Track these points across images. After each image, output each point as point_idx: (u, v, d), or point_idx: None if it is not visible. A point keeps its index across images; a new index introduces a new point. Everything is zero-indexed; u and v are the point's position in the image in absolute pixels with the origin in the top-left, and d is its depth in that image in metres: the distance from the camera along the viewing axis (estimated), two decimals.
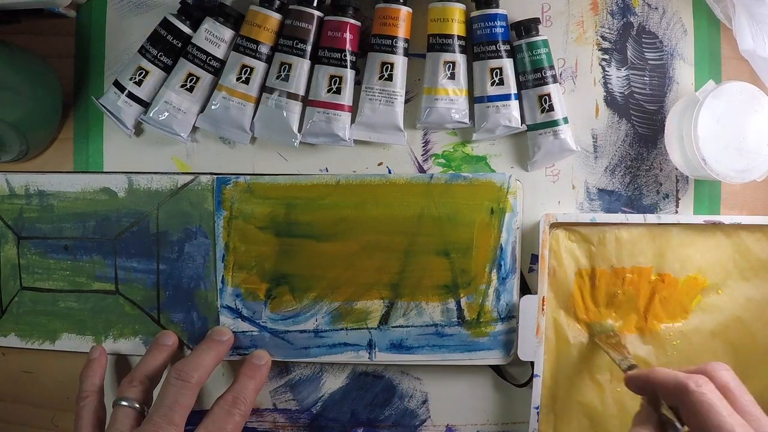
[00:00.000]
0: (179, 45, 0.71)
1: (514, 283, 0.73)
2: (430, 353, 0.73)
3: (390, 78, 0.70)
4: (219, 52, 0.71)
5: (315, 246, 0.73)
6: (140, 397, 0.68)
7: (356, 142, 0.73)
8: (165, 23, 0.71)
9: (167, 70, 0.72)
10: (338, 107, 0.70)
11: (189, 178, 0.74)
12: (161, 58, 0.71)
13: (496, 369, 0.75)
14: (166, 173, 0.74)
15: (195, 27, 0.71)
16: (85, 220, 0.75)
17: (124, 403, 0.67)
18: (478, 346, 0.73)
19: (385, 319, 0.73)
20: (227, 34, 0.71)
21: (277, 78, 0.70)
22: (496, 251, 0.72)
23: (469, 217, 0.72)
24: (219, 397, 0.69)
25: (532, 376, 0.71)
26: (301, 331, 0.74)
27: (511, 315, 0.73)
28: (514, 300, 0.73)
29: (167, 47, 0.71)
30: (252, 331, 0.74)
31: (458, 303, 0.73)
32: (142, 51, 0.71)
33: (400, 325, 0.73)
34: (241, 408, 0.68)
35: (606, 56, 0.74)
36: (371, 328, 0.73)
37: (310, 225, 0.73)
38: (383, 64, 0.70)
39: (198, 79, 0.71)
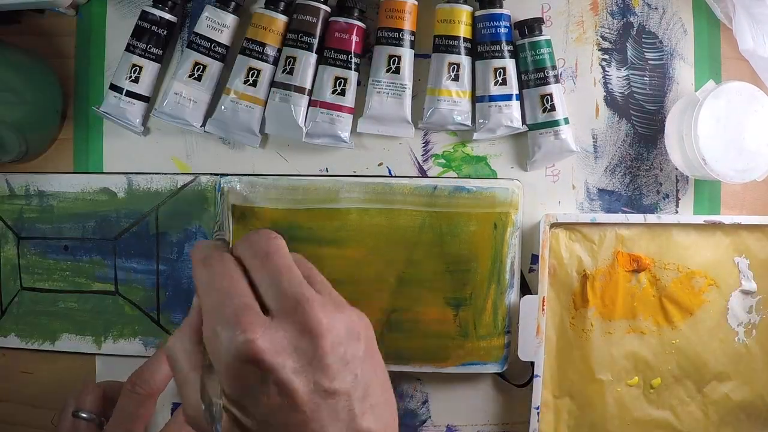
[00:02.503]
0: (164, 33, 0.71)
1: (513, 296, 0.73)
2: (427, 366, 0.73)
3: (397, 71, 0.70)
4: (223, 38, 0.71)
5: (315, 250, 0.73)
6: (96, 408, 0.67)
7: (356, 142, 0.73)
8: (144, 15, 0.71)
9: (159, 60, 0.72)
10: (342, 109, 0.70)
11: (189, 178, 0.74)
12: (151, 50, 0.71)
13: None
14: (166, 173, 0.74)
15: (174, 11, 0.71)
16: (85, 221, 0.75)
17: (83, 414, 0.66)
18: (477, 359, 0.73)
19: (382, 330, 0.73)
20: (229, 19, 0.71)
21: (283, 72, 0.70)
22: (497, 265, 0.72)
23: (472, 230, 0.72)
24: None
25: (532, 376, 0.71)
26: None
27: (509, 329, 0.73)
28: (513, 313, 0.73)
29: (153, 38, 0.71)
30: None
31: (457, 315, 0.73)
32: (130, 48, 0.71)
33: (398, 336, 0.73)
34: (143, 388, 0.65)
35: (606, 56, 0.74)
36: None
37: (311, 229, 0.73)
38: (390, 57, 0.70)
39: (205, 67, 0.71)
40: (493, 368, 0.73)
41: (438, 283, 0.73)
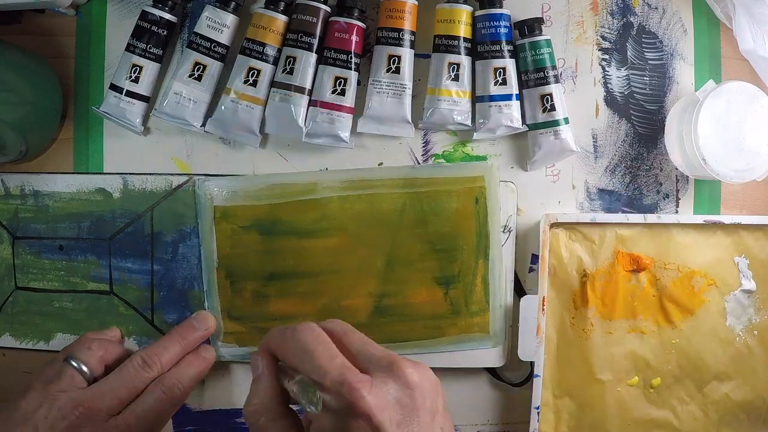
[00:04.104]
0: (165, 33, 0.71)
1: (504, 272, 0.73)
2: (422, 347, 0.73)
3: (398, 71, 0.70)
4: (223, 38, 0.71)
5: (298, 243, 0.73)
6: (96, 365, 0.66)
7: (357, 142, 0.73)
8: (144, 15, 0.71)
9: (159, 60, 0.72)
10: (342, 108, 0.70)
11: (183, 179, 0.74)
12: (151, 50, 0.71)
13: (491, 369, 0.75)
14: (161, 174, 0.74)
15: (174, 11, 0.71)
16: (80, 221, 0.75)
17: (73, 363, 0.64)
18: (471, 337, 0.73)
19: (373, 315, 0.73)
20: (229, 18, 0.70)
21: (283, 72, 0.70)
22: (483, 240, 0.72)
23: (453, 207, 0.72)
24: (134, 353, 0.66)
25: (532, 376, 0.71)
26: None
27: (501, 303, 0.73)
28: (503, 287, 0.73)
29: (153, 38, 0.71)
30: (240, 331, 0.74)
31: (447, 294, 0.73)
32: (130, 48, 0.71)
33: (389, 320, 0.73)
34: (151, 373, 0.65)
35: (606, 56, 0.74)
36: (360, 324, 0.73)
37: (293, 222, 0.73)
38: (390, 57, 0.70)
39: (205, 67, 0.71)
40: (487, 344, 0.73)
41: (425, 264, 0.73)
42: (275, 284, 0.73)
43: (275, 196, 0.73)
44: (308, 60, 0.70)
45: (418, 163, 0.74)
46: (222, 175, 0.74)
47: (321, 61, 0.71)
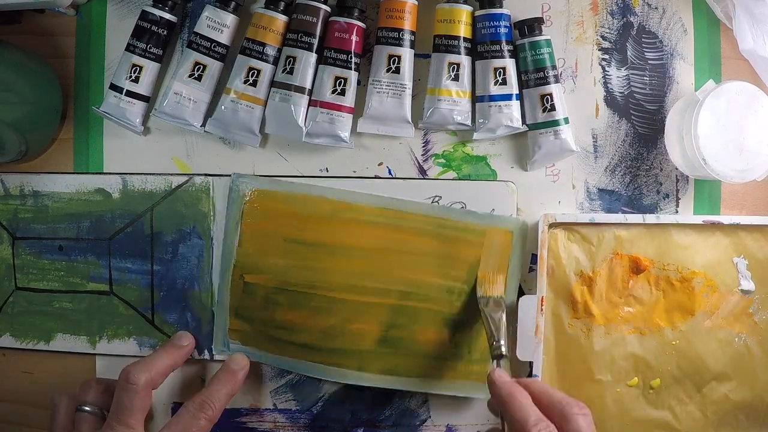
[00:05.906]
0: (165, 33, 0.71)
1: (511, 327, 0.72)
2: (417, 385, 0.74)
3: (397, 71, 0.70)
4: (223, 38, 0.71)
5: (320, 257, 0.73)
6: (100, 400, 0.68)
7: (356, 142, 0.73)
8: (144, 15, 0.71)
9: (159, 60, 0.72)
10: (342, 108, 0.70)
11: (183, 179, 0.74)
12: (151, 50, 0.71)
13: None
14: (166, 174, 0.74)
15: (174, 11, 0.71)
16: (80, 221, 0.75)
17: (87, 408, 0.67)
18: (467, 384, 0.74)
19: (378, 343, 0.73)
20: (229, 18, 0.70)
21: (283, 72, 0.70)
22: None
23: (477, 255, 0.72)
24: (189, 399, 0.68)
25: (531, 376, 0.71)
26: (293, 343, 0.73)
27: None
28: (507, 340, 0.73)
29: (154, 38, 0.71)
30: (245, 331, 0.74)
31: (453, 337, 0.73)
32: (130, 48, 0.71)
33: (392, 351, 0.73)
34: (208, 412, 0.66)
35: (606, 56, 0.74)
36: (363, 351, 0.73)
37: (319, 236, 0.73)
38: (390, 57, 0.70)
39: (205, 67, 0.71)
40: (481, 394, 0.74)
41: (438, 304, 0.73)
42: (288, 293, 0.73)
43: (305, 206, 0.73)
44: (308, 60, 0.70)
45: (419, 164, 0.74)
46: (245, 174, 0.74)
47: (321, 61, 0.71)
